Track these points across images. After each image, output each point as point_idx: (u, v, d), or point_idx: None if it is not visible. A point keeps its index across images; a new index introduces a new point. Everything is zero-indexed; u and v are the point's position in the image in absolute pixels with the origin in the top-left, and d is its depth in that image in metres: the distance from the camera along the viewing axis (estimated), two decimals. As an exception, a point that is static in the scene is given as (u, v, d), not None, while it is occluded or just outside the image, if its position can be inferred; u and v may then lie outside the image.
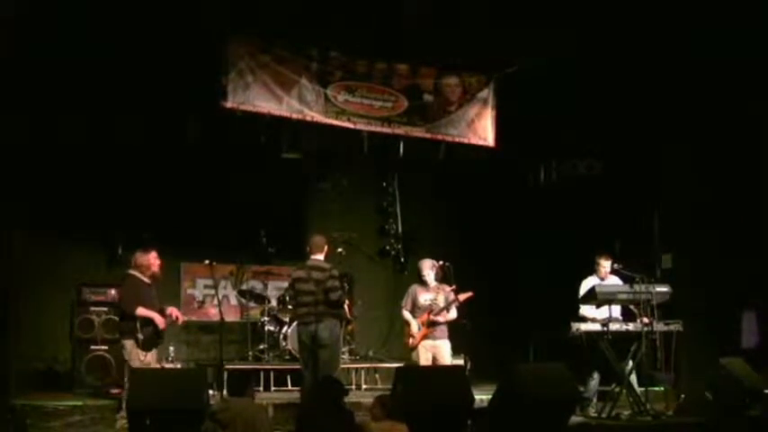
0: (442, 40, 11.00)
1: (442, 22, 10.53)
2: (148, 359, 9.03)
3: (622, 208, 12.09)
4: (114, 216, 11.83)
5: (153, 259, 9.31)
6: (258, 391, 10.75)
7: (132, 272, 9.27)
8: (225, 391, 9.56)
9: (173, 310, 9.40)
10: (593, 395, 10.08)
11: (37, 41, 9.83)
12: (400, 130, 11.66)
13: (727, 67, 10.83)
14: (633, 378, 9.81)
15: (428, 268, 10.10)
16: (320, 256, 9.49)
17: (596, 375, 10.02)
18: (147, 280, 9.28)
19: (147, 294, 9.23)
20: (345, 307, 10.04)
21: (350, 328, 11.87)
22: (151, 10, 9.95)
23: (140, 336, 8.94)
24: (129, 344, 9.00)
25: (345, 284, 11.32)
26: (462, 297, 9.92)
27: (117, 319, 10.76)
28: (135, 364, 8.89)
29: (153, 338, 9.09)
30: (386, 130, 11.60)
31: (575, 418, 8.97)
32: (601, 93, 11.70)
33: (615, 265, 10.21)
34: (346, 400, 7.73)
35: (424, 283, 10.09)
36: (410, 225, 13.89)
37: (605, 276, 10.26)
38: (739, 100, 10.91)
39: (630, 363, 9.74)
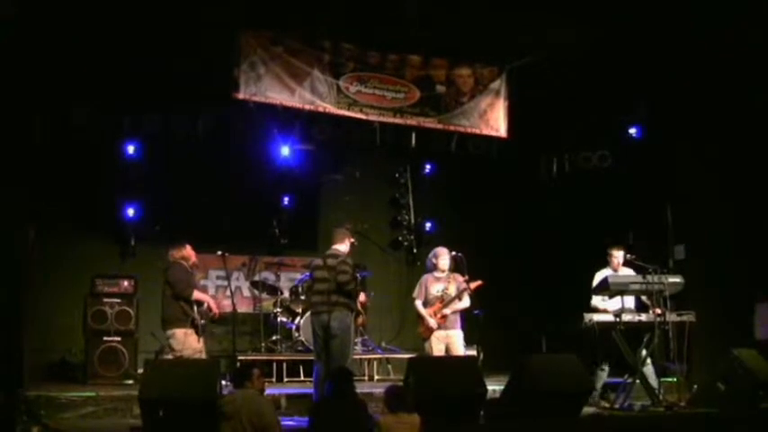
0: (454, 32, 10.97)
1: (450, 15, 10.51)
2: (201, 345, 9.15)
3: (635, 199, 12.06)
4: (126, 208, 11.91)
5: (190, 250, 9.45)
6: (271, 381, 10.77)
7: (177, 260, 9.37)
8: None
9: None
10: (599, 387, 10.03)
11: (46, 35, 9.83)
12: (412, 121, 11.64)
13: (741, 63, 10.79)
14: (648, 369, 9.79)
15: (443, 256, 10.05)
16: (340, 246, 9.46)
17: (606, 367, 10.00)
18: (190, 269, 9.44)
19: (195, 281, 9.47)
20: (361, 298, 9.97)
21: (360, 320, 11.85)
22: (164, 1, 9.97)
23: (197, 319, 9.05)
24: (180, 332, 9.02)
25: (358, 275, 11.32)
26: (473, 285, 9.90)
27: (130, 310, 10.98)
28: (187, 353, 8.90)
29: (204, 324, 9.21)
30: (398, 121, 11.58)
31: (587, 409, 8.96)
32: (614, 84, 11.67)
33: (628, 256, 10.19)
34: (359, 390, 7.74)
35: (436, 272, 10.06)
36: (422, 216, 13.91)
37: (618, 267, 10.23)
38: (754, 94, 10.86)
39: (644, 353, 9.73)
